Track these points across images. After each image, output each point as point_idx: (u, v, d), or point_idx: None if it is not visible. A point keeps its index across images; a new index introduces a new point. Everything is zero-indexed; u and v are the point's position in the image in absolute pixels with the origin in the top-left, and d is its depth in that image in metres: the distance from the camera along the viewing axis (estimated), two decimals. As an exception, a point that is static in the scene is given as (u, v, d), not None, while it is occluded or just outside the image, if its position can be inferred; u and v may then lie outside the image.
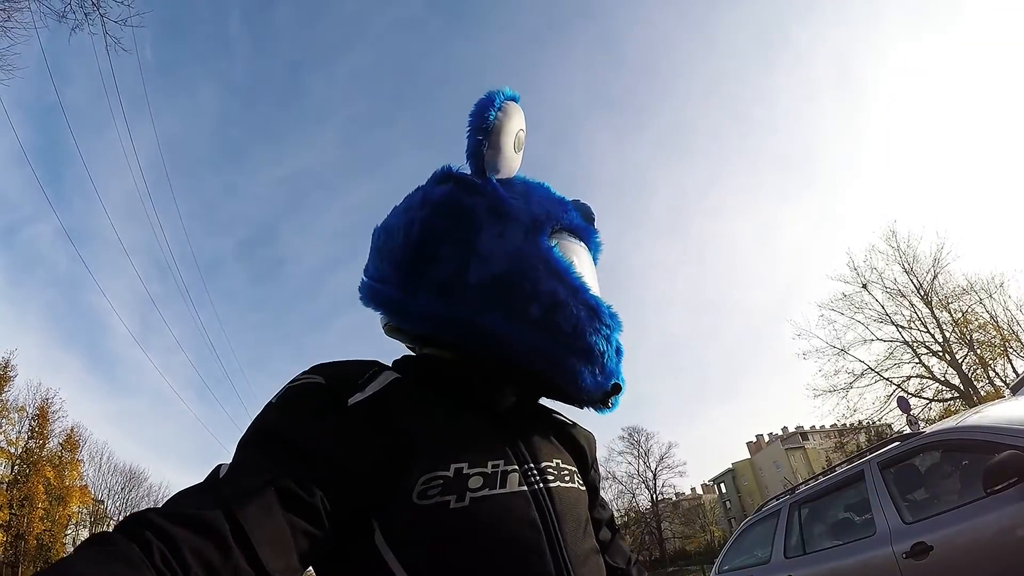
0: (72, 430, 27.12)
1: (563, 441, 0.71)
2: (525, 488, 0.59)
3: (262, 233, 61.06)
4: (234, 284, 56.55)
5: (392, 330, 0.72)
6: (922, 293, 19.03)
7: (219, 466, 0.52)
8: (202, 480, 0.51)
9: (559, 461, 0.66)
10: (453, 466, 0.56)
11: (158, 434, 49.34)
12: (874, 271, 19.76)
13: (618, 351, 0.67)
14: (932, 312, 18.79)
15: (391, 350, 0.73)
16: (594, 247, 0.75)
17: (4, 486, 23.69)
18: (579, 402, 0.69)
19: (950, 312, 18.58)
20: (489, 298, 0.63)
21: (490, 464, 0.58)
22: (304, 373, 0.60)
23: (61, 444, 26.40)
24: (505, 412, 0.67)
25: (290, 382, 0.60)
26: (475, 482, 0.56)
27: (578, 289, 0.64)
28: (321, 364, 0.62)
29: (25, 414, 24.88)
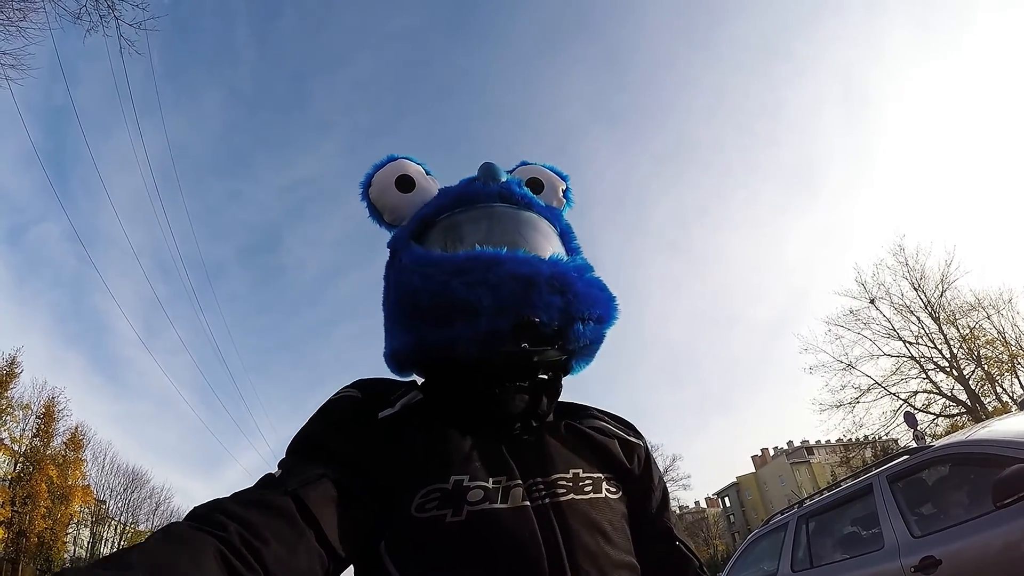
0: (76, 429, 27.19)
1: (592, 451, 0.69)
2: (528, 503, 0.59)
3: (265, 239, 61.39)
4: (237, 289, 56.79)
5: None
6: (930, 309, 18.88)
7: (269, 473, 0.57)
8: (255, 483, 0.55)
9: (579, 471, 0.65)
10: (453, 478, 0.58)
11: (161, 436, 49.44)
12: (881, 287, 19.65)
13: (499, 288, 0.62)
14: (940, 328, 18.63)
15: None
16: (487, 196, 0.75)
17: (7, 483, 23.75)
18: (529, 369, 0.66)
19: (958, 328, 18.42)
20: (393, 325, 0.72)
21: (491, 480, 0.59)
22: (345, 387, 0.66)
23: (65, 443, 26.42)
24: (522, 428, 0.67)
25: (331, 396, 0.66)
26: (475, 495, 0.57)
27: (432, 263, 0.66)
28: (362, 379, 0.68)
29: (30, 412, 24.98)
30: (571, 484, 0.63)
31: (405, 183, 0.81)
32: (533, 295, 0.63)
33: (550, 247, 0.73)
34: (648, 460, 0.76)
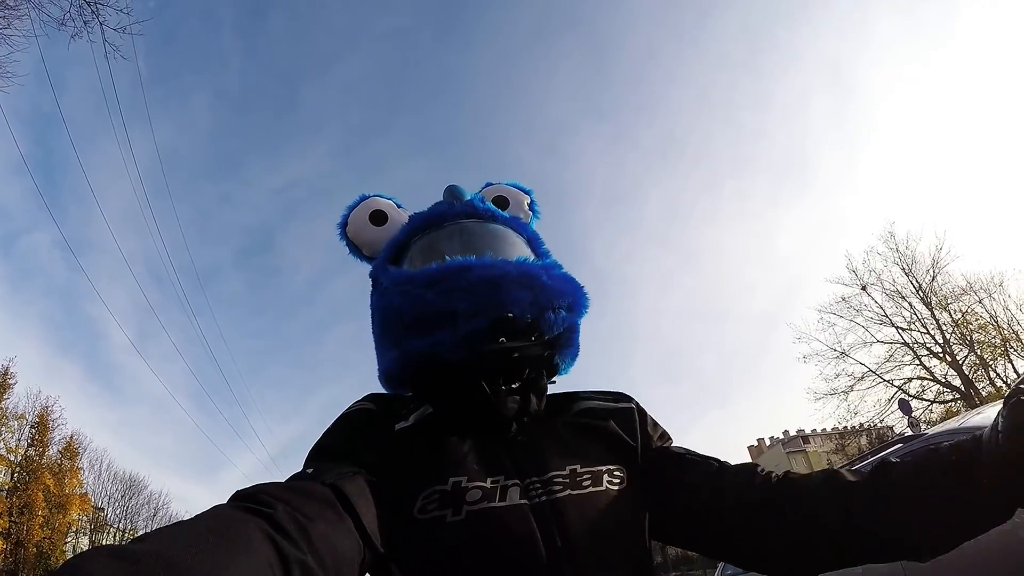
0: (72, 438, 27.01)
1: (591, 441, 0.70)
2: (526, 502, 0.61)
3: (259, 242, 61.11)
4: (231, 293, 56.46)
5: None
6: (921, 294, 19.03)
7: (300, 471, 0.59)
8: (287, 478, 0.58)
9: (576, 467, 0.66)
10: (451, 480, 0.60)
11: (157, 442, 49.20)
12: (873, 272, 19.78)
13: (472, 291, 0.65)
14: (932, 313, 18.78)
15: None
16: (454, 214, 0.79)
17: (4, 494, 23.60)
18: (508, 367, 0.68)
19: (950, 313, 18.57)
20: (380, 345, 0.75)
21: (490, 480, 0.61)
22: (358, 400, 0.70)
23: (61, 452, 26.26)
24: (518, 429, 0.68)
25: (347, 408, 0.69)
26: (473, 495, 0.59)
27: (407, 280, 0.71)
28: (374, 393, 0.72)
29: (25, 421, 24.79)
30: (568, 480, 0.64)
31: (378, 217, 0.87)
32: (503, 293, 0.66)
33: (518, 252, 0.77)
34: (643, 417, 0.77)
